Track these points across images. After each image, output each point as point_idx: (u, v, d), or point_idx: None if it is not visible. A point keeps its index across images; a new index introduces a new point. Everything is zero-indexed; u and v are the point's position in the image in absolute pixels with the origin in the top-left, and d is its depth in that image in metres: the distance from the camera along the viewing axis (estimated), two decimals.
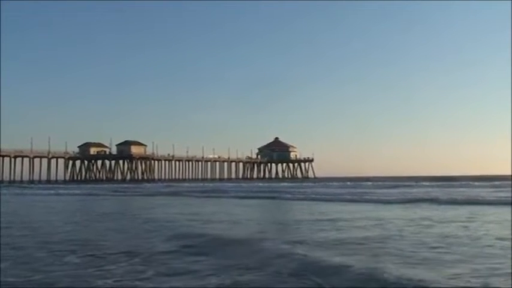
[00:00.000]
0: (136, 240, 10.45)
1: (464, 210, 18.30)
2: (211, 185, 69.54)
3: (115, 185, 67.43)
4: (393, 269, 6.66)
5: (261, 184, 68.87)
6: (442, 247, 9.09)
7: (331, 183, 63.05)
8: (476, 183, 53.96)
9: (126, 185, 68.45)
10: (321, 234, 11.33)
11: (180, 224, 14.25)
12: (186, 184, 74.31)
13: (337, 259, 7.48)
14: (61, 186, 67.73)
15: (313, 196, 31.96)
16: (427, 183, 56.46)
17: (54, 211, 21.78)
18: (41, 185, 75.36)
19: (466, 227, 12.68)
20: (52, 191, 45.18)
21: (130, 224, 14.65)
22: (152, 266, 7.50)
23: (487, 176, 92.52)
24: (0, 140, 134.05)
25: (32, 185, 77.46)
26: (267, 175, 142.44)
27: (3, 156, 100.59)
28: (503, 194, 28.54)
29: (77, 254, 8.67)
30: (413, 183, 56.27)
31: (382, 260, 7.62)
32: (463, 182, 58.62)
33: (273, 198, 31.71)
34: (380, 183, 59.39)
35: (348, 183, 65.12)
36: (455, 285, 6.11)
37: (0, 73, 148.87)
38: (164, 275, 6.90)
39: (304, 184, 67.47)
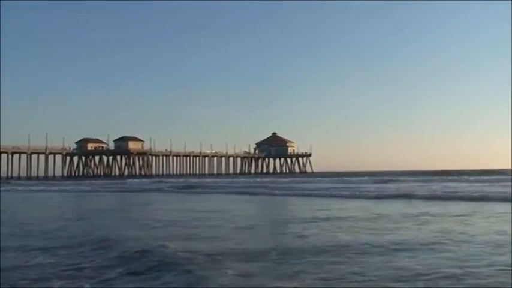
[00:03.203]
0: None
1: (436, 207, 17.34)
2: (209, 180, 68.63)
3: (101, 182, 65.98)
4: None
5: (258, 179, 67.86)
6: None
7: (321, 179, 62.17)
8: (472, 178, 52.98)
9: (103, 181, 66.05)
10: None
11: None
12: (182, 179, 73.36)
13: None
14: (50, 182, 66.73)
15: (297, 192, 31.33)
16: (427, 178, 56.03)
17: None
18: (20, 181, 74.13)
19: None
20: (26, 188, 44.48)
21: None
22: None
23: (485, 170, 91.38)
24: None
25: (9, 181, 75.93)
26: (264, 170, 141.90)
27: (0, 153, 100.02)
28: (494, 189, 27.71)
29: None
30: (410, 178, 55.27)
31: None
32: (462, 177, 57.58)
33: (256, 194, 30.82)
34: (377, 178, 58.35)
35: (344, 178, 64.34)
36: None
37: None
38: None
39: (297, 179, 66.76)
